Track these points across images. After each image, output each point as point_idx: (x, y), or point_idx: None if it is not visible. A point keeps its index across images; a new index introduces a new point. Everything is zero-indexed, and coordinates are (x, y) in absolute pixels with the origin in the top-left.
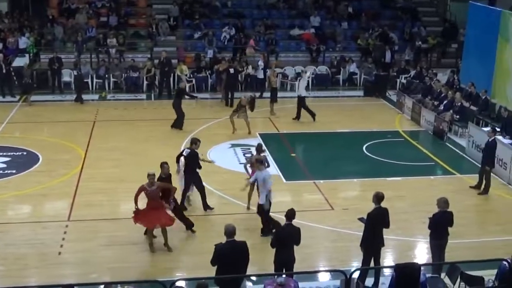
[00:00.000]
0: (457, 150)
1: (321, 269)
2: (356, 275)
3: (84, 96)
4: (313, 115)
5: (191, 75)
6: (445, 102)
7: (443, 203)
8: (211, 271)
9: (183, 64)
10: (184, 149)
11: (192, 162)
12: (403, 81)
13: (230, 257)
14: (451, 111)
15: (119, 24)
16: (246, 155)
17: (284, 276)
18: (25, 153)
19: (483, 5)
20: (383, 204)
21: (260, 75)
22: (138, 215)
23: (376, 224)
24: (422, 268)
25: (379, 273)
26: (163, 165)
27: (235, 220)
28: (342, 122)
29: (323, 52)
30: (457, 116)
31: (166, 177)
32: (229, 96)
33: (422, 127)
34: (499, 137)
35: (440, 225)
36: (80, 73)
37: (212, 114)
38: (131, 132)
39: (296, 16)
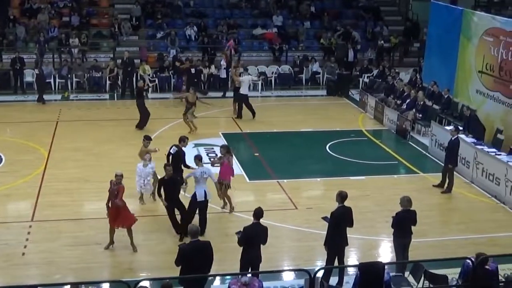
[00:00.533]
0: (420, 149)
1: (285, 268)
2: (320, 274)
3: (47, 96)
4: (253, 113)
5: (154, 75)
6: (407, 101)
7: (406, 201)
8: (176, 271)
9: (145, 64)
10: (171, 147)
11: (178, 160)
12: (366, 80)
13: (194, 257)
14: (413, 110)
15: (81, 24)
16: (210, 154)
17: (248, 275)
18: None
19: (444, 4)
20: (347, 203)
21: (223, 74)
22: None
23: (340, 223)
24: (386, 267)
25: (343, 272)
26: (166, 167)
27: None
28: (305, 122)
29: (286, 52)
30: (420, 115)
31: (168, 179)
32: None
33: (385, 126)
34: (462, 136)
35: (403, 224)
36: (41, 72)
37: (175, 114)
38: (94, 132)
39: (259, 16)
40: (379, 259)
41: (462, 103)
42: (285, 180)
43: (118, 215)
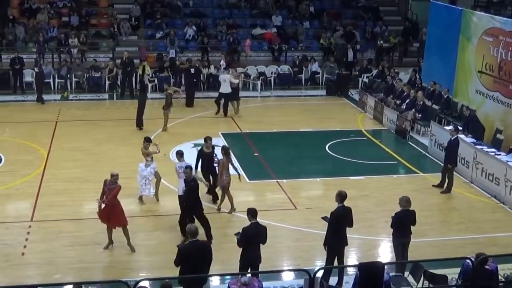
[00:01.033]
0: (419, 149)
1: (285, 268)
2: (320, 274)
3: (46, 96)
4: (222, 112)
5: (153, 75)
6: (407, 101)
7: (405, 202)
8: (175, 271)
9: (145, 63)
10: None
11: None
12: (365, 80)
13: (194, 257)
14: (413, 110)
15: (80, 24)
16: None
17: (248, 275)
18: None
19: (444, 4)
20: (346, 203)
21: None
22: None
23: (339, 223)
24: (385, 267)
25: (343, 272)
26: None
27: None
28: (304, 122)
29: (285, 52)
30: (419, 115)
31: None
32: (191, 96)
33: (384, 126)
34: (462, 136)
35: (402, 224)
36: (40, 71)
37: (174, 114)
38: (93, 133)
39: (258, 16)
40: (379, 259)
41: (462, 103)
42: (284, 180)
43: (113, 215)
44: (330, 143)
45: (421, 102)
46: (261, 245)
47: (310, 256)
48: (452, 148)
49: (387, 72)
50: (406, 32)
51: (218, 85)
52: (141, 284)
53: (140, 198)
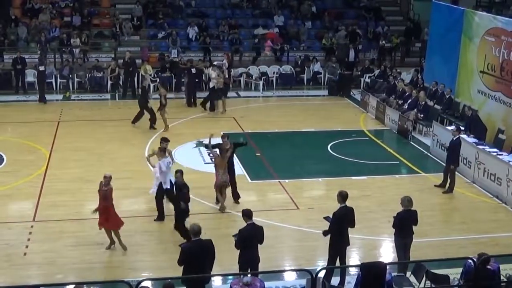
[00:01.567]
0: (421, 149)
1: (287, 268)
2: (322, 274)
3: (48, 96)
4: (210, 108)
5: (155, 75)
6: (409, 101)
7: (406, 202)
8: (177, 271)
9: (147, 63)
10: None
11: None
12: (367, 80)
13: (197, 256)
14: (415, 110)
15: (82, 24)
16: (211, 154)
17: (250, 275)
18: None
19: (446, 4)
20: (348, 203)
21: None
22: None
23: (341, 223)
24: (387, 267)
25: (345, 272)
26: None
27: (201, 220)
28: (306, 122)
29: (287, 52)
30: (421, 115)
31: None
32: (192, 96)
33: (386, 126)
34: (464, 136)
35: (404, 224)
36: (43, 69)
37: (176, 114)
38: (95, 132)
39: (260, 16)
40: (381, 259)
41: (464, 103)
42: (286, 180)
43: (110, 216)
44: (332, 143)
45: (423, 102)
46: (260, 245)
47: (312, 256)
48: (454, 148)
49: (389, 72)
50: (408, 32)
51: None
52: (143, 284)
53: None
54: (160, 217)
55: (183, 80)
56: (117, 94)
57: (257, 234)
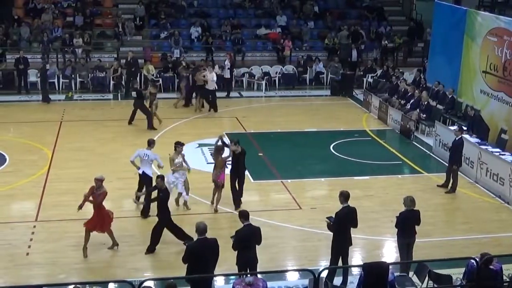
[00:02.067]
0: (424, 149)
1: (289, 268)
2: (324, 274)
3: (51, 96)
4: (215, 108)
5: (158, 75)
6: (411, 101)
7: (409, 201)
8: (180, 271)
9: (149, 64)
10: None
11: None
12: (370, 80)
13: (202, 254)
14: (417, 110)
15: (85, 24)
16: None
17: (252, 275)
18: None
19: (448, 4)
20: (351, 203)
21: (227, 74)
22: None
23: (344, 223)
24: (390, 267)
25: (347, 272)
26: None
27: (203, 220)
28: (309, 122)
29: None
30: (424, 115)
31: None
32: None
33: (389, 126)
34: (466, 136)
35: (407, 224)
36: (44, 68)
37: (178, 114)
38: (98, 132)
39: (262, 16)
40: (383, 259)
41: (466, 103)
42: (289, 180)
43: (104, 220)
44: (334, 143)
45: (426, 102)
46: (259, 246)
47: (314, 256)
48: (456, 148)
49: (391, 72)
50: (411, 32)
51: (223, 85)
52: (146, 284)
53: (185, 203)
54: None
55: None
56: (119, 94)
57: (254, 235)
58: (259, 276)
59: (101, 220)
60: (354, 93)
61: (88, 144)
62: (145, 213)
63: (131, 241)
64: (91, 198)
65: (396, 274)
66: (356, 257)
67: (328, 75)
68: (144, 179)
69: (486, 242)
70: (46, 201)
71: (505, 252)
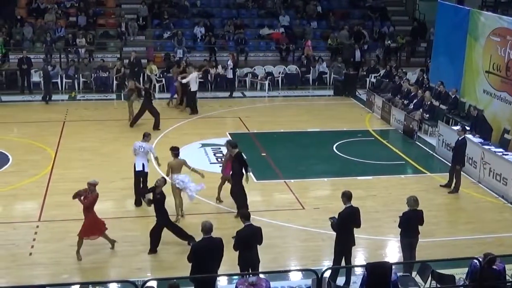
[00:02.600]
0: (427, 149)
1: (292, 268)
2: (327, 274)
3: (54, 96)
4: (195, 111)
5: (161, 75)
6: (414, 101)
7: (412, 201)
8: (182, 271)
9: (152, 63)
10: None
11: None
12: (373, 80)
13: (206, 253)
14: (420, 110)
15: (88, 24)
16: (217, 154)
17: (255, 275)
18: None
19: (452, 4)
20: (354, 203)
21: (230, 75)
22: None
23: (347, 223)
24: (393, 267)
25: (351, 272)
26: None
27: (205, 220)
28: (312, 122)
29: (293, 52)
30: (427, 115)
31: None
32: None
33: (392, 126)
34: (469, 136)
35: (410, 224)
36: (46, 68)
37: (181, 114)
38: (101, 132)
39: (265, 16)
40: (386, 259)
41: (469, 103)
42: (292, 180)
43: (96, 224)
44: (337, 143)
45: (429, 102)
46: (261, 246)
47: (317, 256)
48: (459, 148)
49: (394, 72)
50: (414, 32)
51: (226, 85)
52: (149, 284)
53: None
54: (137, 203)
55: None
56: (122, 94)
57: (255, 235)
58: (262, 276)
59: (92, 225)
60: (357, 93)
61: (91, 144)
62: (137, 203)
63: (134, 241)
64: (82, 197)
65: (399, 274)
66: (359, 257)
67: (331, 75)
68: (139, 174)
69: (489, 242)
70: (49, 201)
71: (508, 252)
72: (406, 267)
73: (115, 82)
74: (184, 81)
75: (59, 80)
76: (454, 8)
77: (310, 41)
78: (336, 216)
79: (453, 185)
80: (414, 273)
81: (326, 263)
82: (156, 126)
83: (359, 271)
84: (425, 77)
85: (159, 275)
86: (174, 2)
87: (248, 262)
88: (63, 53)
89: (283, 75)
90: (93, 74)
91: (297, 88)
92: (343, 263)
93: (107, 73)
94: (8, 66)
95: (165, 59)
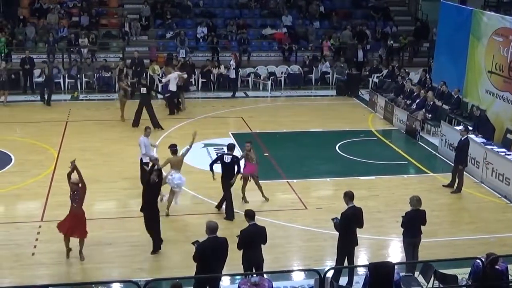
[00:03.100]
0: (429, 149)
1: (295, 268)
2: (330, 274)
3: (56, 96)
4: (172, 111)
5: (163, 75)
6: (417, 101)
7: (415, 201)
8: (185, 271)
9: (155, 63)
10: (222, 155)
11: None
12: (376, 80)
13: (212, 253)
14: (423, 110)
15: (90, 24)
16: (219, 155)
17: (258, 275)
18: None
19: (454, 4)
20: (356, 203)
21: (232, 75)
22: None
23: (350, 223)
24: (396, 267)
25: (353, 272)
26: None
27: (209, 220)
28: (315, 122)
29: (295, 52)
30: (430, 115)
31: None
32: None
33: (394, 126)
34: (472, 136)
35: (413, 224)
36: (48, 73)
37: (184, 114)
38: (103, 132)
39: (268, 16)
40: (389, 259)
41: (472, 103)
42: (295, 180)
43: (80, 223)
44: (340, 143)
45: (431, 102)
46: (265, 245)
47: (320, 256)
48: (462, 148)
49: (397, 72)
50: (416, 32)
51: (228, 85)
52: (151, 284)
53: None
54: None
55: (191, 80)
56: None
57: (259, 234)
58: (264, 276)
59: (73, 225)
60: (359, 93)
61: (93, 144)
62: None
63: (137, 241)
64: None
65: (402, 274)
66: (362, 257)
67: (333, 75)
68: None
69: (491, 242)
70: (52, 201)
71: (510, 252)
72: (408, 267)
73: (117, 82)
74: (163, 80)
75: (61, 80)
76: (456, 8)
77: (327, 41)
78: (339, 216)
79: (455, 185)
80: (416, 273)
81: (328, 263)
82: (154, 126)
83: (361, 271)
84: (428, 77)
85: (162, 275)
86: (176, 2)
87: (252, 261)
88: (65, 53)
89: (286, 75)
90: (95, 74)
91: (300, 88)
92: (345, 263)
93: (110, 73)
94: (11, 66)
95: (168, 59)
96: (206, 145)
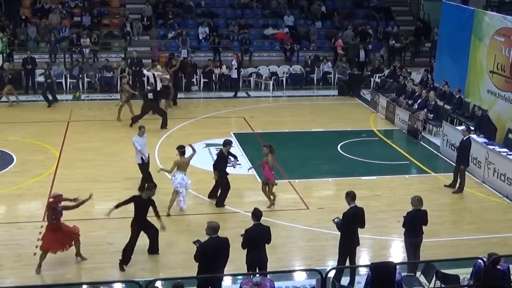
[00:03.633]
0: (431, 149)
1: (296, 268)
2: (331, 274)
3: (58, 96)
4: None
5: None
6: (419, 101)
7: (417, 201)
8: (187, 271)
9: (157, 63)
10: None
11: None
12: (377, 80)
13: (213, 253)
14: (425, 110)
15: (92, 24)
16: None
17: (260, 275)
18: None
19: (456, 4)
20: (358, 203)
21: (234, 74)
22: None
23: (352, 223)
24: (397, 267)
25: (355, 272)
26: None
27: (210, 220)
28: (316, 122)
29: (297, 52)
30: (431, 115)
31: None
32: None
33: (396, 126)
34: (473, 136)
35: (414, 224)
36: (48, 74)
37: (186, 114)
38: (105, 132)
39: (270, 16)
40: (391, 259)
41: (474, 103)
42: (296, 180)
43: (66, 233)
44: (342, 143)
45: (433, 102)
46: (269, 245)
47: (322, 256)
48: (464, 148)
49: (399, 72)
50: (418, 32)
51: (230, 85)
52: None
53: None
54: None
55: (193, 80)
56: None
57: (263, 234)
58: (266, 276)
59: (62, 238)
60: (361, 93)
61: (95, 144)
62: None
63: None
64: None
65: (404, 274)
66: (364, 257)
67: (335, 75)
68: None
69: (493, 242)
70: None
71: None
72: (410, 267)
73: (119, 82)
74: (145, 72)
75: (63, 80)
76: (458, 8)
77: (341, 40)
78: (340, 217)
79: (457, 185)
80: (418, 273)
81: (330, 263)
82: (163, 125)
83: (363, 271)
84: (430, 77)
85: (164, 275)
86: (178, 2)
87: (256, 261)
88: (67, 53)
89: (288, 75)
90: (97, 74)
91: (302, 88)
92: (347, 263)
93: (112, 73)
94: (13, 66)
95: (170, 59)
96: (208, 145)
